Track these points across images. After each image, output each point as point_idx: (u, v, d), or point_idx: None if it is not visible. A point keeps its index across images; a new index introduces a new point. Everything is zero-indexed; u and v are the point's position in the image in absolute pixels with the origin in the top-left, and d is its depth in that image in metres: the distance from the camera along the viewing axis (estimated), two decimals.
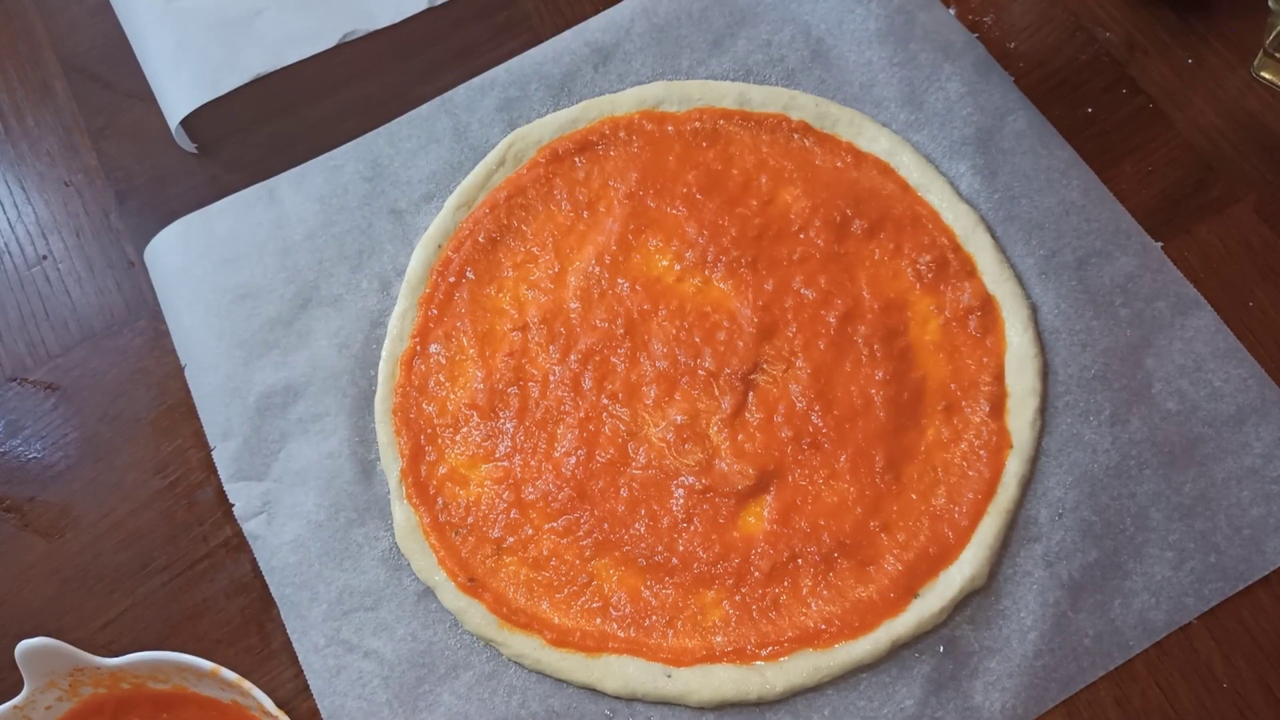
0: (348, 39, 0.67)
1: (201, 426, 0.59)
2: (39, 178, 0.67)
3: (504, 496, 0.56)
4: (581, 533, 0.55)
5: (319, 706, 0.54)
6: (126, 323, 0.63)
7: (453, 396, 0.59)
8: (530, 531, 0.56)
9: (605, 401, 0.58)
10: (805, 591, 0.54)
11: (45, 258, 0.65)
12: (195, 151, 0.67)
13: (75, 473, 0.60)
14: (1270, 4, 0.60)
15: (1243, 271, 0.60)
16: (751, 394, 0.58)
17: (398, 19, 0.68)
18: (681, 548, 0.55)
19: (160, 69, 0.67)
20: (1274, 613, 0.53)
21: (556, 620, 0.54)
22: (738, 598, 0.54)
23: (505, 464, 0.57)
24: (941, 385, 0.57)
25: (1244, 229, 0.61)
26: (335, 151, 0.65)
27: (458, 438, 0.58)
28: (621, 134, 0.63)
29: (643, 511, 0.56)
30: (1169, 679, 0.53)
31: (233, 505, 0.58)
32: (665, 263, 0.61)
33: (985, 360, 0.57)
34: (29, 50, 0.71)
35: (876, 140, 0.62)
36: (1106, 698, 0.52)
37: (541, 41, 0.67)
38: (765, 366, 0.58)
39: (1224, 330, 0.58)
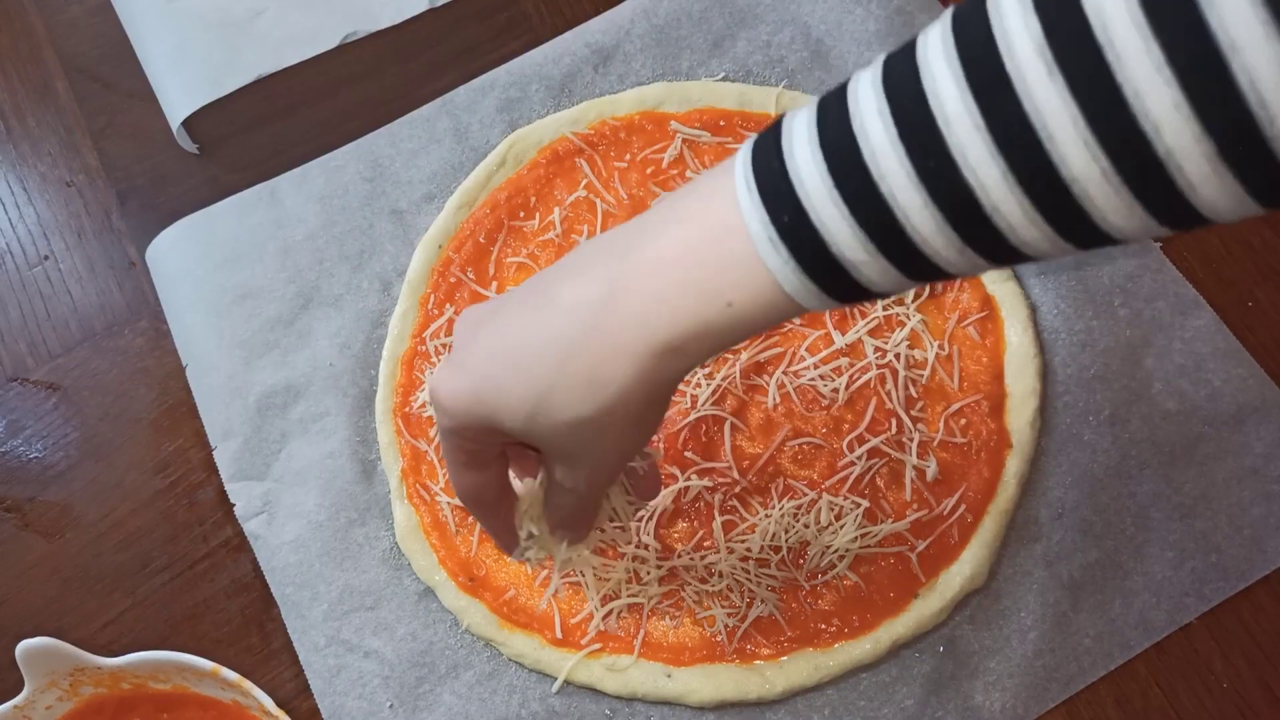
0: (349, 40, 0.67)
1: (202, 426, 0.59)
2: (40, 178, 0.67)
3: None
4: None
5: (319, 706, 0.54)
6: (128, 323, 0.63)
7: None
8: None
9: None
10: (805, 592, 0.54)
11: (46, 258, 0.65)
12: (196, 152, 0.67)
13: (76, 473, 0.60)
14: None
15: (1243, 271, 0.60)
16: (751, 394, 0.58)
17: (399, 20, 0.68)
18: (681, 548, 0.55)
19: (161, 69, 0.67)
20: (1274, 612, 0.53)
21: (557, 620, 0.54)
22: (738, 596, 0.54)
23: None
24: (940, 385, 0.57)
25: (1244, 229, 0.61)
26: (336, 152, 0.65)
27: None
28: (622, 135, 0.63)
29: None
30: (1169, 679, 0.53)
31: (233, 505, 0.58)
32: None
33: (985, 360, 0.57)
34: (29, 50, 0.71)
35: None
36: (1107, 697, 0.52)
37: (542, 42, 0.67)
38: (765, 366, 0.58)
39: (1224, 330, 0.58)
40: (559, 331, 0.37)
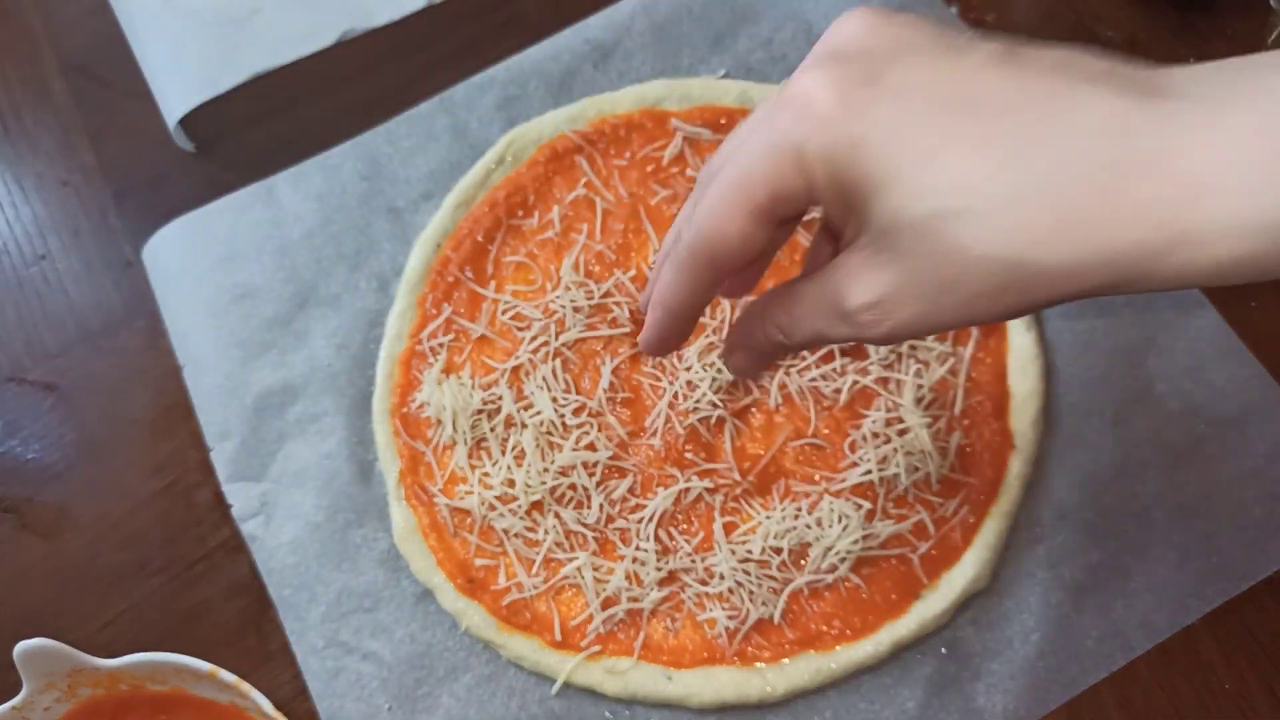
0: (346, 37, 0.67)
1: (199, 427, 0.59)
2: (37, 177, 0.67)
3: (503, 497, 0.56)
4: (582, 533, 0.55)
5: (317, 708, 0.54)
6: (124, 322, 0.63)
7: None
8: (530, 533, 0.55)
9: (605, 401, 0.58)
10: (806, 594, 0.53)
11: (43, 257, 0.65)
12: (193, 150, 0.66)
13: (73, 473, 0.60)
14: (1272, 4, 0.60)
15: None
16: (752, 394, 0.58)
17: (396, 17, 0.68)
18: (681, 549, 0.55)
19: (158, 68, 0.66)
20: (1276, 613, 0.53)
21: (556, 622, 0.54)
22: (738, 598, 0.53)
23: (505, 463, 0.57)
24: (943, 385, 0.57)
25: None
26: (333, 150, 0.64)
27: (457, 438, 0.57)
28: (622, 132, 0.63)
29: None
30: (1171, 680, 0.52)
31: (231, 506, 0.57)
32: None
33: (988, 361, 0.57)
34: (27, 49, 0.70)
35: None
36: (1109, 699, 0.52)
37: (541, 39, 0.66)
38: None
39: (1226, 330, 0.57)
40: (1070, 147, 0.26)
